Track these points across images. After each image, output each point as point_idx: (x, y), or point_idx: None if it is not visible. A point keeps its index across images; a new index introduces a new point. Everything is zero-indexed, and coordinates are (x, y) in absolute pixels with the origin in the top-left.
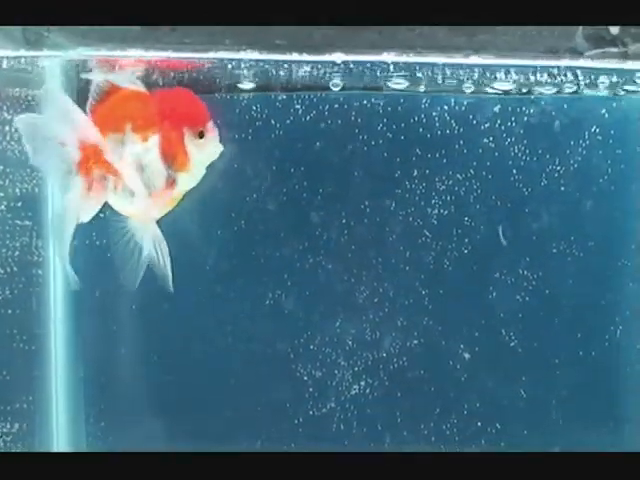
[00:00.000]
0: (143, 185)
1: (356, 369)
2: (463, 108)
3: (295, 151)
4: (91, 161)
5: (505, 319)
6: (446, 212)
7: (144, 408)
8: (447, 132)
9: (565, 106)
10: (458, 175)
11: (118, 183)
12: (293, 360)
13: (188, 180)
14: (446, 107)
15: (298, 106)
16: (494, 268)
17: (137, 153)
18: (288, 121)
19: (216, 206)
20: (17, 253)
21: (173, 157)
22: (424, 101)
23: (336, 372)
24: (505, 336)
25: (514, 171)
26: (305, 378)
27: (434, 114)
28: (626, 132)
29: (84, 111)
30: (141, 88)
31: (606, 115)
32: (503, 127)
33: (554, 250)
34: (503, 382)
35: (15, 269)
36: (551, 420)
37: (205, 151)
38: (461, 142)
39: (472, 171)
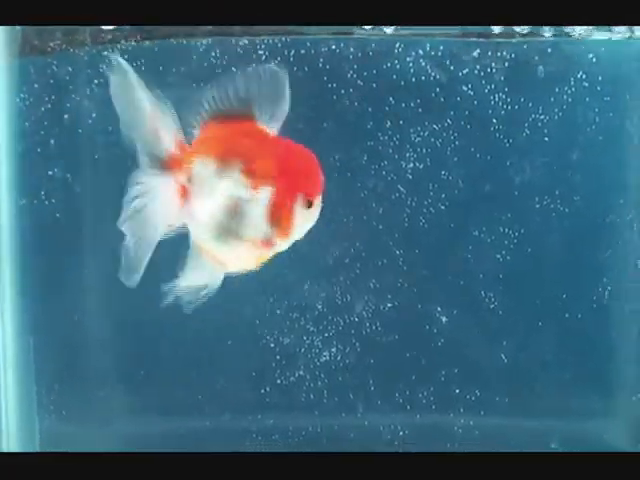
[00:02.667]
0: (229, 229)
1: (326, 335)
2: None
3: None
4: (184, 163)
5: (485, 280)
6: (422, 166)
7: (100, 379)
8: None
9: None
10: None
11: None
12: (259, 326)
13: (283, 246)
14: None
15: (261, 52)
16: (473, 225)
17: (241, 197)
18: (251, 68)
19: None
20: None
21: (278, 219)
22: (398, 46)
23: (305, 338)
24: (485, 298)
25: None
26: (272, 345)
27: (409, 59)
28: None
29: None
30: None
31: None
32: None
33: (537, 205)
34: (482, 347)
35: None
36: (533, 386)
37: (307, 221)
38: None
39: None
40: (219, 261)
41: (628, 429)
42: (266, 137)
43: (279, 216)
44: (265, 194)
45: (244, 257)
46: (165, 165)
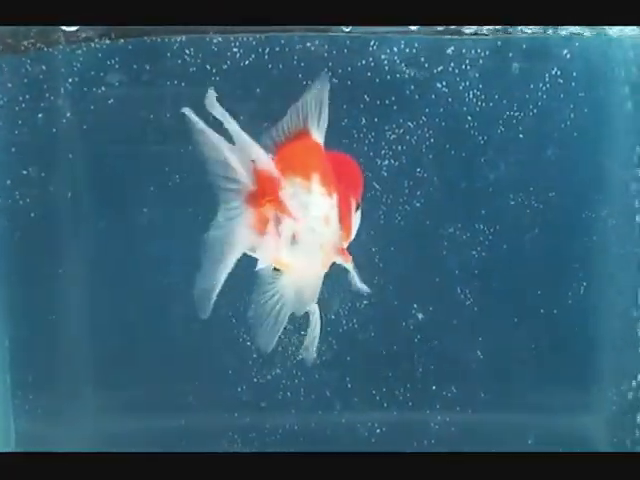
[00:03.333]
0: (326, 238)
1: (303, 332)
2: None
3: (234, 98)
4: (267, 197)
5: (461, 276)
6: (397, 164)
7: (75, 380)
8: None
9: None
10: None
11: (297, 230)
12: (236, 325)
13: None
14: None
15: (236, 49)
16: (449, 222)
17: (324, 206)
18: (225, 66)
19: (150, 160)
20: None
21: (343, 223)
22: (372, 43)
23: (282, 336)
24: (461, 294)
25: None
26: (249, 343)
27: (384, 57)
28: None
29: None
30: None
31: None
32: None
33: (512, 202)
34: (459, 343)
35: None
36: (510, 383)
37: (356, 224)
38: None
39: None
40: (312, 270)
41: (605, 425)
42: (321, 148)
43: (344, 220)
44: (335, 200)
45: (324, 264)
46: (256, 194)
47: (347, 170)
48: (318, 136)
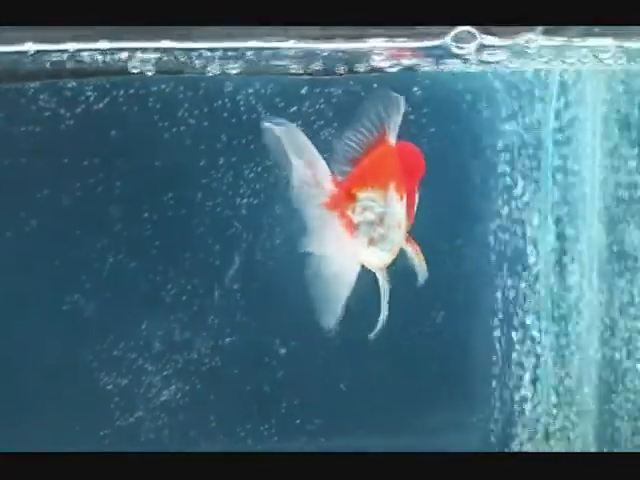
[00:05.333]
0: (398, 239)
1: (165, 373)
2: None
3: (90, 143)
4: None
5: None
6: (257, 202)
7: None
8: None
9: None
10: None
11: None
12: (97, 369)
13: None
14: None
15: (90, 93)
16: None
17: (398, 212)
18: (80, 110)
19: (8, 205)
20: None
21: (409, 212)
22: (227, 84)
23: (143, 378)
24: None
25: None
26: (110, 387)
27: (239, 97)
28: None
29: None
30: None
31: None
32: None
33: None
34: (322, 376)
35: None
36: (375, 410)
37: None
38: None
39: None
40: (382, 265)
41: (483, 443)
42: (394, 150)
43: (410, 210)
44: (404, 201)
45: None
46: (334, 202)
47: (410, 158)
48: (393, 138)
